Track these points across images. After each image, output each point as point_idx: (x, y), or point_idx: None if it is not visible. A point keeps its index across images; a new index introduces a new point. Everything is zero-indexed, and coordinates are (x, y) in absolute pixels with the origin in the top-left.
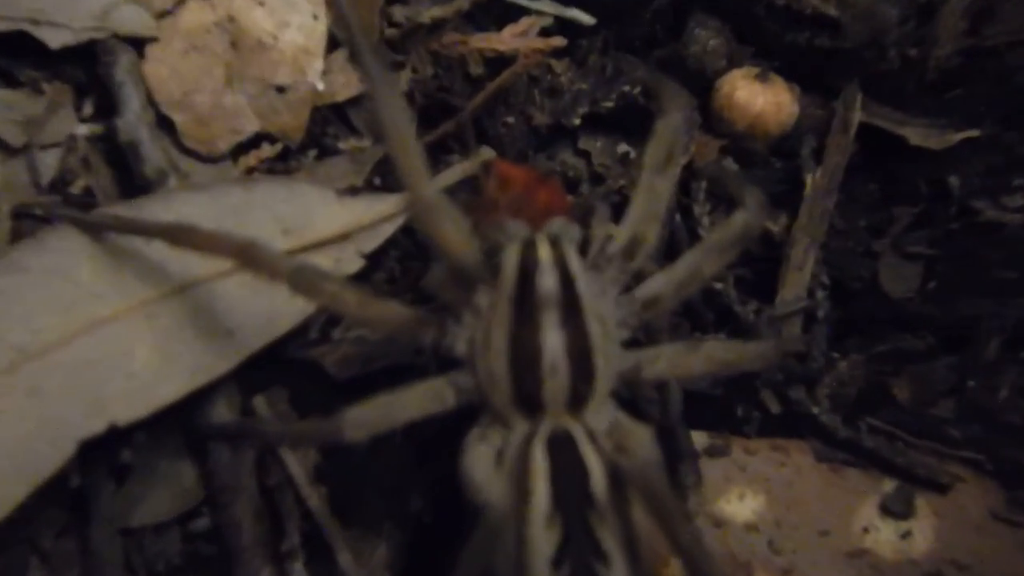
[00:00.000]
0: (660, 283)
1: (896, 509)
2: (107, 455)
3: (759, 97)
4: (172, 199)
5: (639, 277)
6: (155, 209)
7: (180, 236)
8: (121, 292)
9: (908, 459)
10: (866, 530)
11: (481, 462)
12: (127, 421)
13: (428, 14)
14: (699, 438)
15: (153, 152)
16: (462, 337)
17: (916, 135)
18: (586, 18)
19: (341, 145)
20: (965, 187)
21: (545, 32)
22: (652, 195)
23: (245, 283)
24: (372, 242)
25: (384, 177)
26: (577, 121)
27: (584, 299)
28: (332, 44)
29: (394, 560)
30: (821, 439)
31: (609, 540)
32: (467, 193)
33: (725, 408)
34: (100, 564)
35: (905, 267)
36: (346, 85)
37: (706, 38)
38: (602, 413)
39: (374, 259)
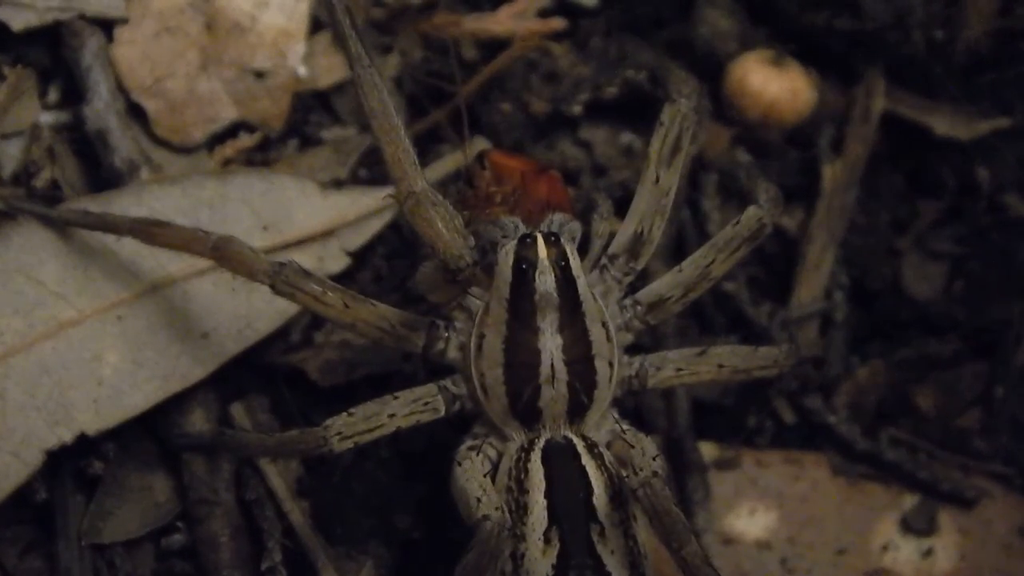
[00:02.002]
0: (666, 284)
1: (918, 526)
2: (75, 467)
3: (773, 83)
4: (143, 192)
5: (644, 277)
6: (125, 203)
7: (152, 232)
8: (89, 292)
9: (931, 472)
10: (885, 548)
11: (474, 475)
12: (96, 430)
13: None
14: (708, 450)
15: (123, 142)
16: (454, 341)
17: (942, 124)
18: None
19: (324, 134)
20: (995, 180)
21: (543, 13)
22: (658, 189)
23: (221, 283)
24: (358, 239)
25: (370, 169)
26: (578, 109)
27: (585, 301)
28: (315, 26)
29: None
30: (838, 451)
31: (611, 559)
32: (460, 186)
33: (736, 418)
34: None
35: (930, 266)
36: (330, 70)
37: (716, 18)
38: (604, 423)
39: (360, 257)
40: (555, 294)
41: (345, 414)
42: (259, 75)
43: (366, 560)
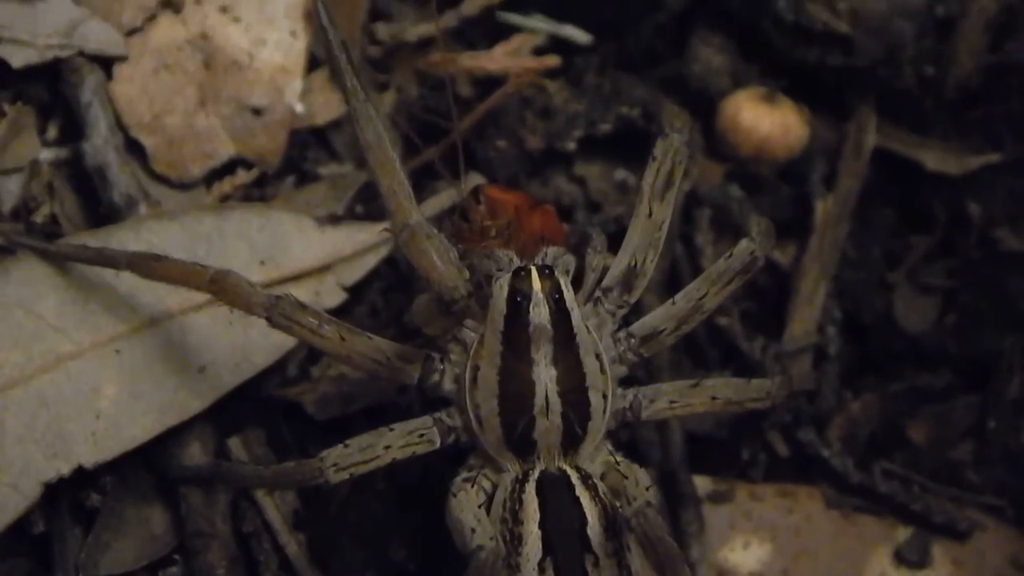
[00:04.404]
0: (659, 317)
1: (912, 558)
2: (73, 499)
3: (766, 119)
4: (141, 227)
5: (638, 310)
6: (123, 238)
7: (150, 266)
8: (87, 326)
9: (924, 504)
10: None
11: (469, 506)
12: (94, 463)
13: (414, 31)
14: (702, 483)
15: (121, 177)
16: (449, 373)
17: (934, 159)
18: (582, 36)
19: (321, 170)
20: (986, 214)
21: (538, 50)
22: (651, 222)
23: (219, 317)
24: (354, 274)
25: (367, 204)
26: (572, 145)
27: (579, 333)
28: (312, 63)
29: None
30: (832, 484)
31: None
32: (455, 220)
33: (730, 451)
34: None
35: (922, 300)
36: (326, 107)
37: (709, 55)
38: (598, 455)
39: (356, 292)
40: (549, 326)
41: (341, 446)
42: (256, 112)
43: None
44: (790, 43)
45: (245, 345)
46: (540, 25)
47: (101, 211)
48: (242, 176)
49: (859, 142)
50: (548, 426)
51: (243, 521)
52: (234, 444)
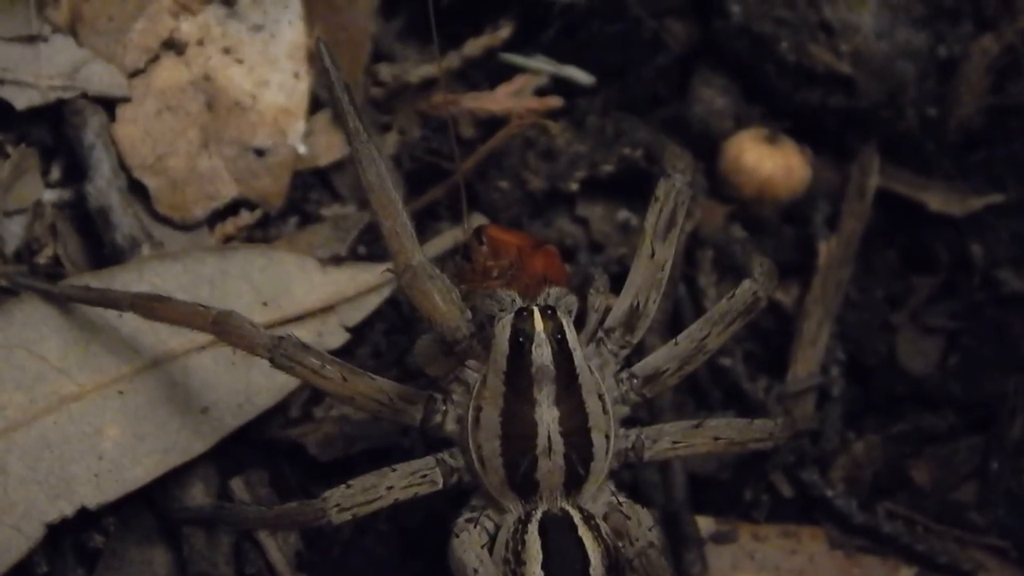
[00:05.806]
0: (662, 357)
1: None
2: (76, 540)
3: (768, 160)
4: (144, 269)
5: (640, 351)
6: (126, 279)
7: (153, 307)
8: (90, 367)
9: (928, 546)
10: None
11: (472, 547)
12: (97, 504)
13: (416, 72)
14: (705, 523)
15: (124, 219)
16: (451, 414)
17: (936, 200)
18: (584, 77)
19: (324, 211)
20: (989, 256)
21: (540, 91)
22: (653, 263)
23: (221, 358)
24: (356, 314)
25: (369, 245)
26: (575, 186)
27: (581, 373)
28: (314, 105)
29: None
30: (835, 524)
31: None
32: (457, 260)
33: (733, 491)
34: None
35: (925, 341)
36: (329, 148)
37: (712, 97)
38: (601, 496)
39: (358, 332)
40: (551, 367)
41: (343, 486)
42: (259, 153)
43: None
44: (792, 85)
45: (248, 386)
46: (542, 66)
47: (104, 252)
48: (245, 217)
49: (862, 183)
50: (551, 467)
51: (246, 563)
52: (237, 485)
